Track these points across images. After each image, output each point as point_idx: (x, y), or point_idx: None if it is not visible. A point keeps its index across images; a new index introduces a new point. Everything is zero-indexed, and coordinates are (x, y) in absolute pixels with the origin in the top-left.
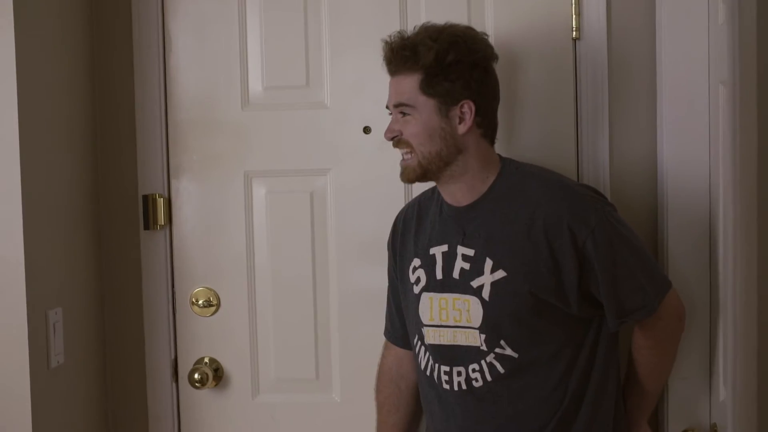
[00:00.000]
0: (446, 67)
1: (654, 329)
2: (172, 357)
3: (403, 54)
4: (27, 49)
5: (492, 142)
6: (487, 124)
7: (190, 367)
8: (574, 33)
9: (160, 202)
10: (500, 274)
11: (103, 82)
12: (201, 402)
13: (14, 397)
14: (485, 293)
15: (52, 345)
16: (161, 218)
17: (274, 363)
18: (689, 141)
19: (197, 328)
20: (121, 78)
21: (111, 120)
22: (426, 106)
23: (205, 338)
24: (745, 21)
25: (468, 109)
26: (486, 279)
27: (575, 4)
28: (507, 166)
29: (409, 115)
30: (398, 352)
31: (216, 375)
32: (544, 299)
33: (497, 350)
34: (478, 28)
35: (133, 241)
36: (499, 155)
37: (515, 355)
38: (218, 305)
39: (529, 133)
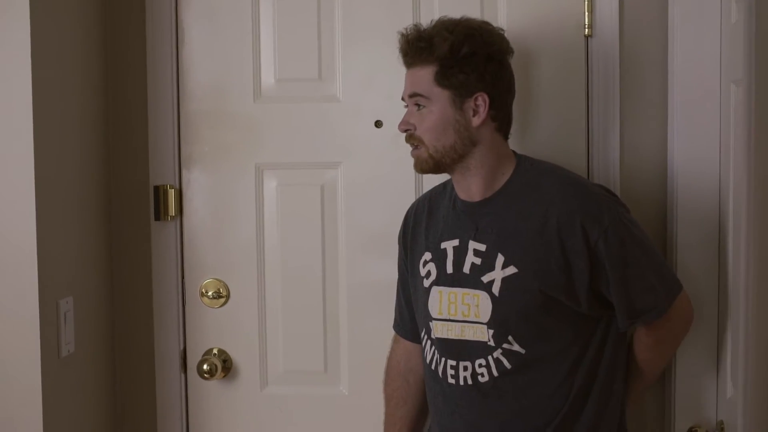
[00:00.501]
0: (461, 59)
1: (660, 329)
2: (181, 348)
3: (418, 45)
4: (41, 40)
5: (506, 137)
6: (501, 118)
7: (199, 358)
8: (587, 30)
9: (171, 193)
10: (511, 270)
11: (116, 73)
12: (209, 393)
13: (25, 385)
14: (495, 289)
15: (63, 334)
16: (172, 209)
17: (282, 355)
18: (700, 139)
19: (206, 319)
20: (134, 69)
21: (123, 111)
22: (440, 97)
23: (214, 329)
24: (763, 20)
25: (482, 101)
26: (497, 274)
27: (588, 1)
28: (522, 162)
29: (424, 107)
30: (407, 345)
31: (224, 366)
32: (554, 297)
33: (504, 346)
34: (491, 23)
35: (144, 231)
36: (513, 152)
37: (522, 351)
38: (228, 297)
39: (540, 129)
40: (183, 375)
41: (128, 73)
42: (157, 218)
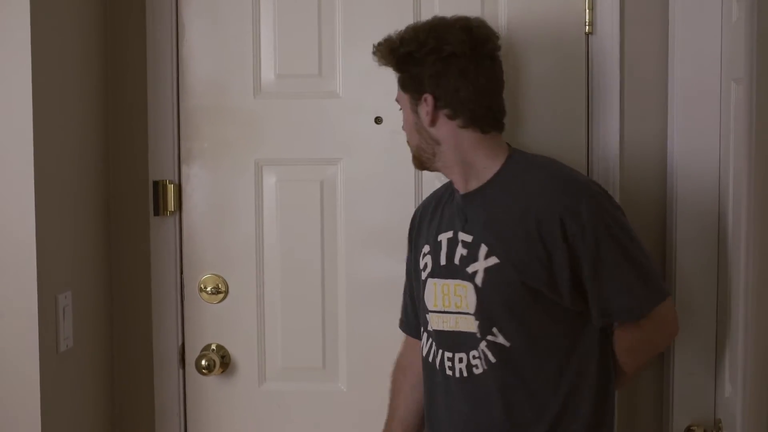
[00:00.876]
0: (403, 62)
1: (636, 333)
2: (180, 343)
3: (378, 52)
4: (42, 34)
5: (483, 132)
6: (465, 116)
7: (198, 353)
8: (587, 27)
9: (171, 188)
10: (493, 260)
11: (115, 69)
12: (207, 388)
13: (23, 379)
14: (478, 279)
15: (62, 329)
16: (171, 204)
17: (281, 351)
18: (700, 136)
19: (205, 314)
20: (134, 64)
21: (123, 106)
22: (404, 101)
23: (212, 325)
24: (764, 18)
25: (428, 102)
26: (480, 265)
27: None
28: (514, 156)
29: (401, 110)
30: (411, 342)
31: (223, 362)
32: (537, 289)
33: (489, 337)
34: (491, 21)
35: (143, 226)
36: (508, 144)
37: (507, 343)
38: (226, 292)
39: (540, 125)
40: (181, 370)
41: (128, 68)
42: (156, 213)
